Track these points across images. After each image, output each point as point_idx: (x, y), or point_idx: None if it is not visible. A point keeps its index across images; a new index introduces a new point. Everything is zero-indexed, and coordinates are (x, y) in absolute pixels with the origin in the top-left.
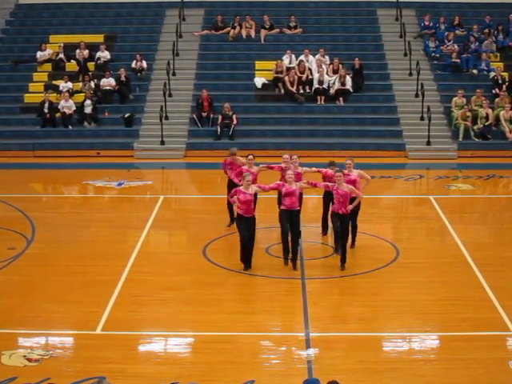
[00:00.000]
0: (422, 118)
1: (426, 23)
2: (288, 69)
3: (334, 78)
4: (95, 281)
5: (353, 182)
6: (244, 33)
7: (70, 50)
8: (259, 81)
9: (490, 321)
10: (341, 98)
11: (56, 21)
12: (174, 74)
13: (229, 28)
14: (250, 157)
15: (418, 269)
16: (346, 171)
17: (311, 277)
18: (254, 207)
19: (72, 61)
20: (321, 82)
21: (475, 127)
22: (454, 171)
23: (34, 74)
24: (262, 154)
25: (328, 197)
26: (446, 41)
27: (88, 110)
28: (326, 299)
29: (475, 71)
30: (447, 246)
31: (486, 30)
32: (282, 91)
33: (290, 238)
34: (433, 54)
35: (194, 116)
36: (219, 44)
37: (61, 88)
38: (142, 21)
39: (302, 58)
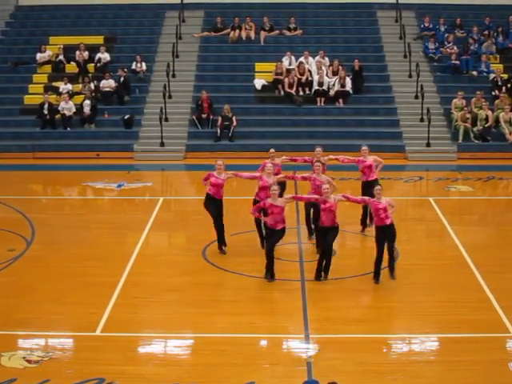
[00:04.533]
0: (421, 120)
1: (426, 25)
2: (288, 70)
3: (334, 79)
4: (95, 282)
5: (369, 167)
6: (244, 34)
7: (69, 51)
8: (259, 82)
9: (489, 322)
10: (340, 100)
11: (56, 22)
12: (173, 76)
13: (228, 30)
14: (272, 150)
15: (418, 270)
16: (361, 158)
17: (311, 278)
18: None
19: (72, 62)
20: (320, 84)
21: (475, 129)
22: (454, 173)
23: (34, 75)
24: (261, 155)
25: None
26: (446, 42)
27: (86, 111)
28: (326, 301)
29: (475, 73)
30: (447, 247)
31: (486, 32)
32: (282, 93)
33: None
34: (432, 56)
35: (194, 117)
36: (219, 46)
37: (60, 89)
38: (141, 22)
39: (301, 59)
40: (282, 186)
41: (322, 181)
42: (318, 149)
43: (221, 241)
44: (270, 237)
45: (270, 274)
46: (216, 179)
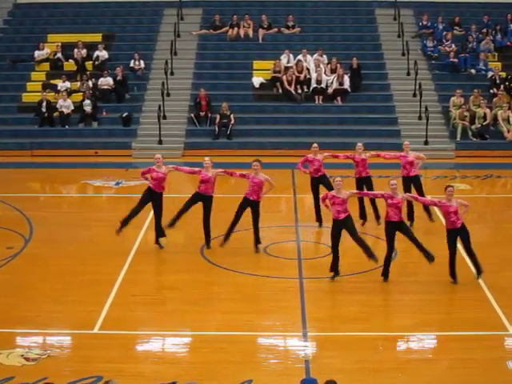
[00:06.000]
0: (419, 118)
1: (424, 23)
2: (286, 68)
3: (332, 77)
4: (93, 280)
5: (410, 163)
6: (242, 32)
7: (68, 49)
8: (257, 80)
9: (488, 321)
10: (339, 98)
11: (54, 20)
12: (172, 74)
13: (227, 27)
14: (315, 145)
15: (416, 268)
16: (403, 153)
17: (309, 276)
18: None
19: (70, 60)
20: (319, 82)
21: (473, 127)
22: (452, 171)
23: (32, 73)
24: (259, 153)
25: (316, 185)
26: (444, 40)
27: (88, 109)
28: (324, 299)
29: (473, 71)
30: (445, 245)
31: (484, 30)
32: (280, 91)
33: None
34: (431, 54)
35: (192, 115)
36: (217, 43)
37: (59, 87)
38: (140, 20)
39: (299, 57)
40: (326, 180)
41: (259, 179)
42: (359, 145)
43: (159, 234)
44: (333, 229)
45: (334, 270)
46: (157, 173)
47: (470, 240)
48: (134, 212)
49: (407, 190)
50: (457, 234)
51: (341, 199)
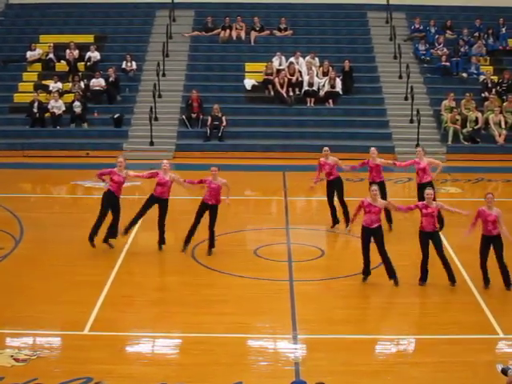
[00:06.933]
0: (411, 121)
1: (417, 26)
2: (278, 71)
3: (324, 80)
4: (83, 281)
5: (423, 170)
6: (234, 34)
7: (60, 50)
8: (249, 82)
9: (477, 324)
10: (330, 101)
11: (46, 21)
12: (163, 75)
13: (219, 29)
14: (326, 149)
15: (406, 271)
16: (416, 159)
17: (299, 279)
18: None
19: (62, 61)
20: (311, 84)
21: (464, 130)
22: (443, 174)
23: (24, 73)
24: (251, 155)
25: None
26: (436, 44)
27: (77, 110)
28: (314, 301)
29: (465, 74)
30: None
31: (476, 34)
32: (272, 93)
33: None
34: (423, 57)
35: (184, 117)
36: (209, 45)
37: (50, 88)
38: (132, 21)
39: (292, 59)
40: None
41: (217, 184)
42: (373, 149)
43: (112, 234)
44: (364, 236)
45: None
46: (118, 177)
47: (503, 251)
48: (115, 220)
49: (421, 197)
50: (489, 241)
51: (378, 209)
